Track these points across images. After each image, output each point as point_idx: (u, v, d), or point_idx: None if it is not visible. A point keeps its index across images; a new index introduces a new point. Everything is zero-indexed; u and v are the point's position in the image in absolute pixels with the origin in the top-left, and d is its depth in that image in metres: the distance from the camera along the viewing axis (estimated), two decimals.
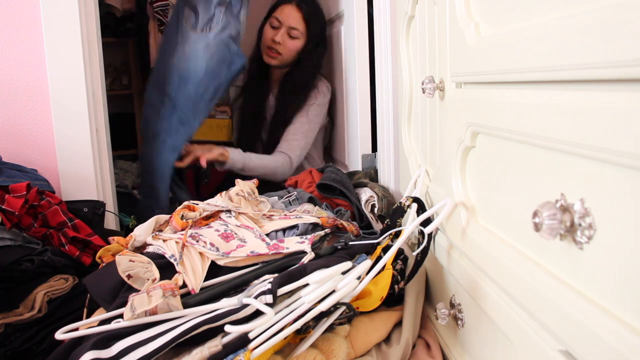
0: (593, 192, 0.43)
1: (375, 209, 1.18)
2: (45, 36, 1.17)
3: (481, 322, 0.69)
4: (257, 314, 0.67)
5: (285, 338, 0.69)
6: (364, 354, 0.80)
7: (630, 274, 0.39)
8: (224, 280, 0.80)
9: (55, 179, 1.21)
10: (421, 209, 0.91)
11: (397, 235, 0.86)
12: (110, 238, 0.96)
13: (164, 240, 0.90)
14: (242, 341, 0.64)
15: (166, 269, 0.82)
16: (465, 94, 0.73)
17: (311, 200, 1.17)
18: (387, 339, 0.84)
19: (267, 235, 0.95)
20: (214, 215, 1.01)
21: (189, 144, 1.54)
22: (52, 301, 0.91)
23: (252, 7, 1.68)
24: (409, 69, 1.10)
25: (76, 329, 0.72)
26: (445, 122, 0.82)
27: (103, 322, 0.72)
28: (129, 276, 0.79)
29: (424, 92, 0.86)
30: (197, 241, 0.87)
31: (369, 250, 0.88)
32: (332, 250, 0.87)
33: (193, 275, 0.79)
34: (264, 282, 0.71)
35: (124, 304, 0.72)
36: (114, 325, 0.69)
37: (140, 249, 0.94)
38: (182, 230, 0.93)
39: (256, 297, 0.67)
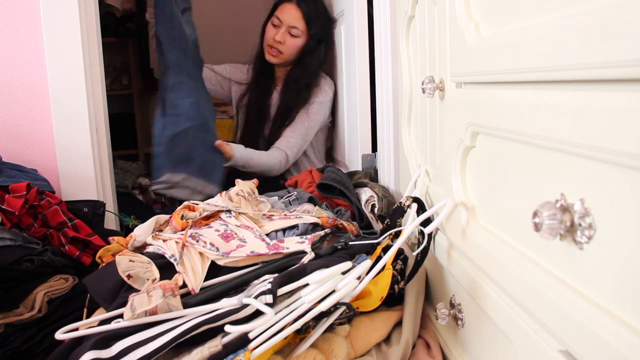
0: (593, 192, 0.43)
1: (376, 209, 1.18)
2: (45, 36, 1.17)
3: (481, 322, 0.69)
4: (257, 314, 0.67)
5: (285, 338, 0.69)
6: (364, 354, 0.80)
7: (630, 274, 0.39)
8: (224, 280, 0.80)
9: (55, 179, 1.21)
10: (421, 209, 0.91)
11: (397, 235, 0.86)
12: (110, 238, 0.96)
13: (164, 240, 0.90)
14: (242, 341, 0.64)
15: (166, 269, 0.82)
16: (465, 94, 0.73)
17: (311, 200, 1.17)
18: (387, 339, 0.84)
19: (267, 235, 0.95)
20: (214, 215, 1.01)
21: None
22: (52, 301, 0.91)
23: (255, 6, 1.69)
24: (409, 69, 1.10)
25: (76, 329, 0.72)
26: (445, 122, 0.82)
27: (103, 322, 0.72)
28: (129, 276, 0.79)
29: (424, 92, 0.86)
30: (197, 241, 0.87)
31: (369, 250, 0.88)
32: (332, 250, 0.87)
33: (193, 275, 0.79)
34: (264, 282, 0.71)
35: (124, 304, 0.72)
36: (114, 325, 0.69)
37: (140, 249, 0.94)
38: (182, 230, 0.93)
39: (256, 297, 0.67)
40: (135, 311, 0.67)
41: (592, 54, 0.40)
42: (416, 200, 0.91)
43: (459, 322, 0.77)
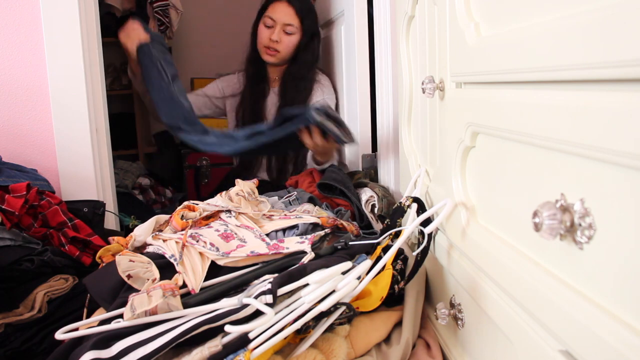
0: (593, 192, 0.43)
1: (376, 209, 1.18)
2: (45, 36, 1.17)
3: (481, 322, 0.69)
4: (257, 314, 0.67)
5: (285, 338, 0.69)
6: (364, 354, 0.80)
7: (630, 274, 0.39)
8: (224, 280, 0.80)
9: (55, 179, 1.21)
10: (421, 209, 0.91)
11: (397, 235, 0.86)
12: (110, 238, 0.96)
13: (164, 240, 0.90)
14: (242, 341, 0.64)
15: (166, 269, 0.82)
16: (465, 94, 0.73)
17: (311, 200, 1.17)
18: (387, 339, 0.84)
19: (267, 235, 0.95)
20: (214, 215, 1.01)
21: None
22: (52, 301, 0.91)
23: (241, 9, 1.68)
24: (409, 69, 1.10)
25: (76, 329, 0.72)
26: (445, 122, 0.82)
27: (103, 322, 0.72)
28: (129, 276, 0.79)
29: (424, 92, 0.86)
30: (197, 241, 0.87)
31: (369, 250, 0.88)
32: (332, 250, 0.87)
33: (193, 275, 0.79)
34: (264, 282, 0.71)
35: (124, 304, 0.72)
36: (114, 325, 0.69)
37: (140, 249, 0.94)
38: (182, 230, 0.93)
39: (256, 297, 0.67)
40: (135, 311, 0.67)
41: (592, 54, 0.40)
42: (416, 200, 0.91)
43: (459, 322, 0.77)
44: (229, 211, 1.02)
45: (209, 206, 1.02)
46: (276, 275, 0.74)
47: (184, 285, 0.78)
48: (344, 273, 0.72)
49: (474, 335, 0.73)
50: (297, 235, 0.95)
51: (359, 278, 0.71)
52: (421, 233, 0.82)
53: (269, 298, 0.67)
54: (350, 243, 0.88)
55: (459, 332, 0.78)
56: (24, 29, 1.17)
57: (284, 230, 0.98)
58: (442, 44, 0.82)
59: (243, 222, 0.98)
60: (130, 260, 0.82)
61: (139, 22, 1.44)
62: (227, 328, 0.64)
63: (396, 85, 1.29)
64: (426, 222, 0.80)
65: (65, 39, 1.17)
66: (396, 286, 0.83)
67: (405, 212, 0.92)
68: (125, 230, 1.31)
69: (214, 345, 0.64)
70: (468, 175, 0.75)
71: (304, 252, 0.86)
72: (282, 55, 1.66)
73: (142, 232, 0.95)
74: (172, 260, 0.83)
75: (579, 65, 0.42)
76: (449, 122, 0.79)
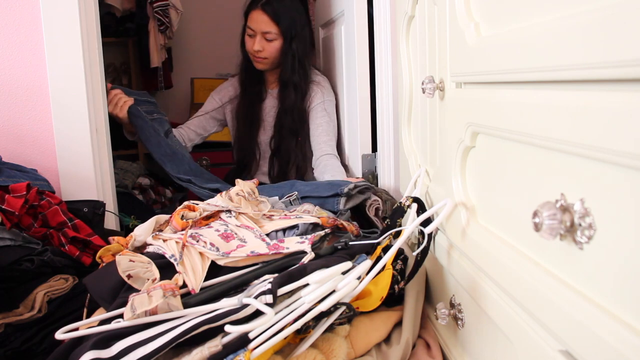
0: (593, 192, 0.43)
1: (380, 212, 1.17)
2: (45, 36, 1.16)
3: (481, 322, 0.69)
4: (257, 314, 0.67)
5: (285, 338, 0.69)
6: (364, 354, 0.80)
7: (630, 274, 0.39)
8: (224, 280, 0.80)
9: (55, 179, 1.21)
10: (421, 209, 0.91)
11: (397, 235, 0.86)
12: (110, 238, 0.96)
13: (164, 240, 0.90)
14: (242, 341, 0.64)
15: (166, 269, 0.82)
16: (465, 94, 0.73)
17: None
18: (387, 339, 0.84)
19: (267, 235, 0.95)
20: (214, 215, 1.01)
21: None
22: (52, 301, 0.91)
23: (241, 10, 1.69)
24: (409, 69, 1.10)
25: (76, 329, 0.72)
26: (445, 122, 0.82)
27: (103, 322, 0.72)
28: (129, 276, 0.79)
29: (424, 92, 0.86)
30: (197, 241, 0.87)
31: (369, 250, 0.88)
32: (332, 250, 0.87)
33: (193, 275, 0.79)
34: (264, 282, 0.71)
35: (124, 304, 0.72)
36: (114, 325, 0.69)
37: (140, 249, 0.94)
38: (182, 230, 0.93)
39: (256, 297, 0.67)
40: (135, 311, 0.67)
41: (592, 54, 0.40)
42: (416, 200, 0.91)
43: (459, 322, 0.77)
44: (229, 211, 1.02)
45: (209, 206, 1.02)
46: (276, 275, 0.74)
47: (184, 285, 0.78)
48: (344, 273, 0.72)
49: (474, 335, 0.73)
50: (297, 235, 0.95)
51: (359, 278, 0.71)
52: (421, 233, 0.82)
53: (269, 298, 0.67)
54: (350, 243, 0.88)
55: (459, 332, 0.78)
56: (24, 29, 1.17)
57: (284, 230, 0.98)
58: (442, 44, 0.82)
59: (243, 222, 0.98)
60: (131, 260, 0.82)
61: (118, 88, 1.47)
62: (227, 328, 0.64)
63: (396, 85, 1.29)
64: (426, 222, 0.80)
65: (65, 39, 1.17)
66: (396, 286, 0.83)
67: (405, 212, 0.92)
68: (125, 230, 1.31)
69: (214, 345, 0.64)
70: (468, 175, 0.75)
71: (304, 252, 0.86)
72: (270, 60, 1.67)
73: (142, 232, 0.95)
74: (172, 260, 0.83)
75: (579, 65, 0.42)
76: (449, 122, 0.79)
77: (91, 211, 1.13)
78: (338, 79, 1.74)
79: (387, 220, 1.00)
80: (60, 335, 0.70)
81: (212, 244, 0.87)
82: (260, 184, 1.31)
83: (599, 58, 0.39)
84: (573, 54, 0.43)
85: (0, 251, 0.90)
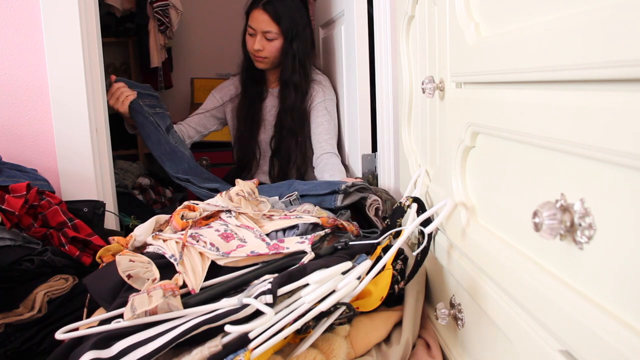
0: (593, 192, 0.43)
1: (380, 212, 1.17)
2: (45, 36, 1.16)
3: (481, 322, 0.69)
4: (257, 314, 0.67)
5: (285, 338, 0.69)
6: (364, 354, 0.80)
7: (630, 274, 0.39)
8: (224, 280, 0.80)
9: (55, 179, 1.21)
10: (421, 209, 0.91)
11: (397, 235, 0.86)
12: (110, 238, 0.96)
13: (164, 240, 0.90)
14: (242, 341, 0.64)
15: (166, 269, 0.82)
16: (465, 94, 0.73)
17: None
18: (387, 339, 0.84)
19: (267, 235, 0.95)
20: (214, 215, 1.01)
21: None
22: (52, 301, 0.91)
23: (241, 9, 1.69)
24: (409, 69, 1.10)
25: (76, 329, 0.72)
26: (445, 122, 0.82)
27: (103, 322, 0.72)
28: (129, 276, 0.79)
29: (424, 92, 0.86)
30: (197, 241, 0.87)
31: (369, 250, 0.88)
32: (332, 250, 0.87)
33: (193, 275, 0.79)
34: (264, 282, 0.71)
35: (124, 304, 0.72)
36: (114, 325, 0.69)
37: (140, 249, 0.94)
38: (182, 230, 0.93)
39: (256, 297, 0.67)
40: (135, 311, 0.67)
41: (592, 54, 0.40)
42: (416, 200, 0.91)
43: (459, 322, 0.77)
44: (229, 211, 1.02)
45: (209, 206, 1.02)
46: (276, 275, 0.74)
47: (184, 285, 0.78)
48: (344, 273, 0.72)
49: (474, 335, 0.73)
50: (297, 235, 0.95)
51: (359, 278, 0.71)
52: (421, 233, 0.82)
53: (269, 298, 0.67)
54: (350, 243, 0.88)
55: (459, 332, 0.78)
56: (24, 29, 1.17)
57: (284, 230, 0.98)
58: (442, 44, 0.82)
59: (243, 222, 0.98)
60: (131, 260, 0.82)
61: (122, 81, 1.46)
62: (227, 328, 0.64)
63: (396, 85, 1.29)
64: (426, 222, 0.80)
65: (65, 39, 1.17)
66: (396, 286, 0.83)
67: (405, 212, 0.92)
68: (125, 230, 1.31)
69: (214, 345, 0.64)
70: (468, 175, 0.75)
71: (304, 252, 0.86)
72: (270, 60, 1.67)
73: (142, 232, 0.95)
74: (172, 260, 0.83)
75: (579, 65, 0.42)
76: (449, 122, 0.79)
77: (91, 211, 1.13)
78: (338, 79, 1.74)
79: (387, 220, 1.00)
80: (60, 335, 0.70)
81: (212, 244, 0.87)
82: (261, 183, 1.31)
83: (599, 58, 0.39)
84: (573, 54, 0.43)
85: (0, 251, 0.90)
